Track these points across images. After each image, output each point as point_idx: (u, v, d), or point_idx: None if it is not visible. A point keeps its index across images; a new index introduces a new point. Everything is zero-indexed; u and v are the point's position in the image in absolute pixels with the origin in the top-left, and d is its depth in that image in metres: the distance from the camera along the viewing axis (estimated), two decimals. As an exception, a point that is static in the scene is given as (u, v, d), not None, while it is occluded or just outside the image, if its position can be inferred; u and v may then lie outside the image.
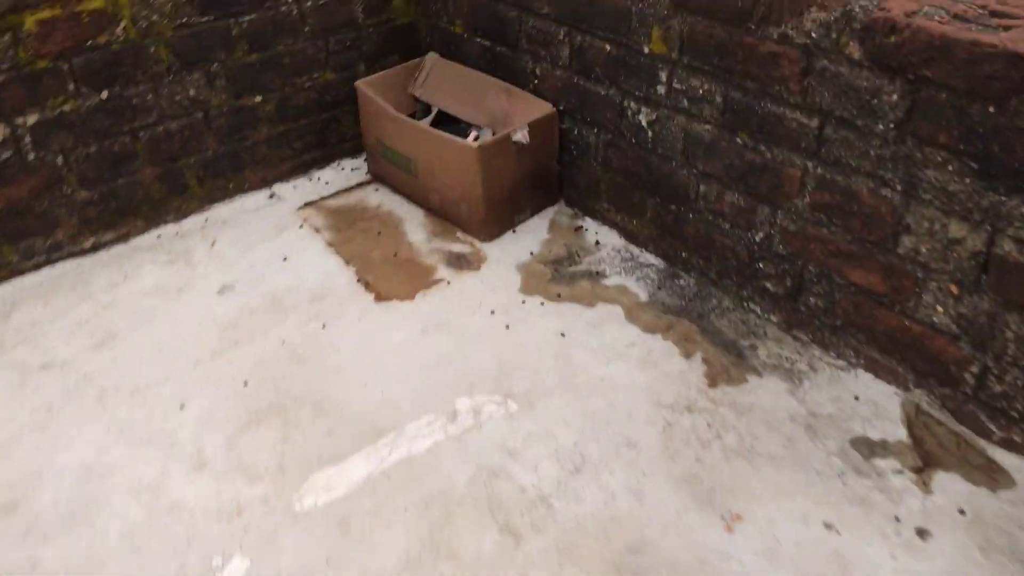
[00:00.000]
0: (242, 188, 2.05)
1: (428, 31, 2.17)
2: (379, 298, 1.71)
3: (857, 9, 1.23)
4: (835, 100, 1.30)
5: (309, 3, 1.96)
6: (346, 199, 2.05)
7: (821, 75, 1.31)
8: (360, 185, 2.11)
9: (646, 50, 1.58)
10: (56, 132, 1.72)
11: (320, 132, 2.13)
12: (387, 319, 1.64)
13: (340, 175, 2.15)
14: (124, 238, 1.90)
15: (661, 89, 1.59)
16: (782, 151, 1.42)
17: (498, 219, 1.87)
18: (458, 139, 1.80)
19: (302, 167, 2.14)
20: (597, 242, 1.84)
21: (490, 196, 1.81)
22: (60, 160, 1.75)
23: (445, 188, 1.88)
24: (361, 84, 2.02)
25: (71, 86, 1.71)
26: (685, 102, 1.55)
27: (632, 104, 1.67)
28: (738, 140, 1.49)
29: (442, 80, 2.08)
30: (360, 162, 2.20)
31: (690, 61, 1.51)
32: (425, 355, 1.55)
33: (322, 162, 2.17)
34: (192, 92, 1.87)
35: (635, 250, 1.81)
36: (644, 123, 1.66)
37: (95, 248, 1.86)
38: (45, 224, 1.78)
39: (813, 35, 1.29)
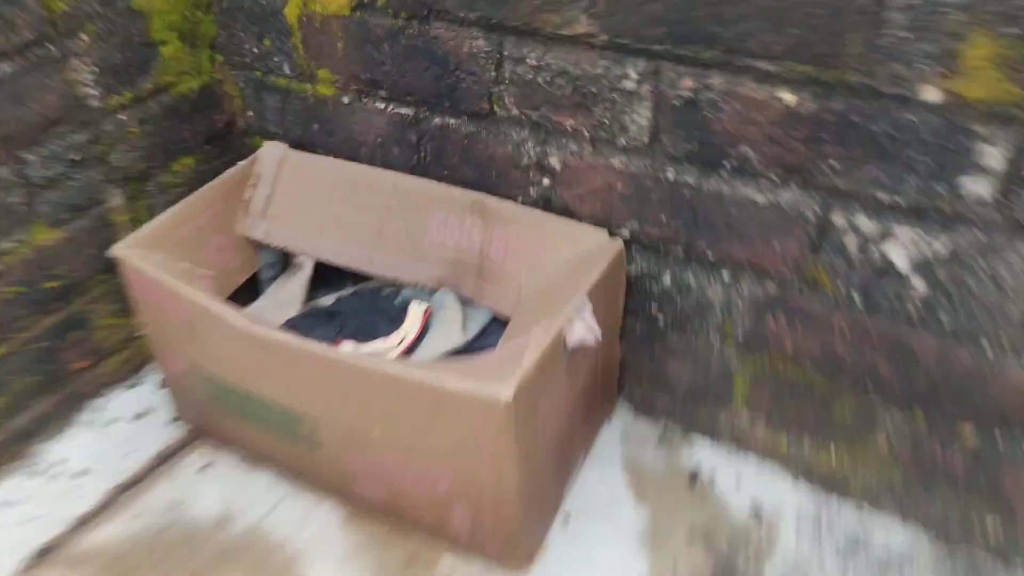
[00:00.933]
0: None
1: (250, 95, 1.03)
2: None
3: None
4: None
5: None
6: (144, 515, 0.86)
7: None
8: (166, 459, 0.93)
9: (927, 97, 0.62)
10: None
11: (42, 358, 0.92)
12: None
13: (107, 439, 0.95)
14: None
15: (979, 186, 0.63)
16: None
17: (540, 511, 0.81)
18: (452, 382, 0.69)
19: (10, 446, 0.91)
20: (756, 512, 0.85)
21: (531, 481, 0.74)
22: None
23: (403, 475, 0.77)
24: (125, 252, 0.84)
25: None
26: (1072, 214, 0.61)
27: (861, 217, 0.69)
28: None
29: (309, 198, 0.96)
30: (148, 393, 1.02)
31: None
32: None
33: (58, 420, 0.96)
34: None
35: (845, 513, 0.84)
36: (901, 263, 0.69)
37: None
38: None
39: None
